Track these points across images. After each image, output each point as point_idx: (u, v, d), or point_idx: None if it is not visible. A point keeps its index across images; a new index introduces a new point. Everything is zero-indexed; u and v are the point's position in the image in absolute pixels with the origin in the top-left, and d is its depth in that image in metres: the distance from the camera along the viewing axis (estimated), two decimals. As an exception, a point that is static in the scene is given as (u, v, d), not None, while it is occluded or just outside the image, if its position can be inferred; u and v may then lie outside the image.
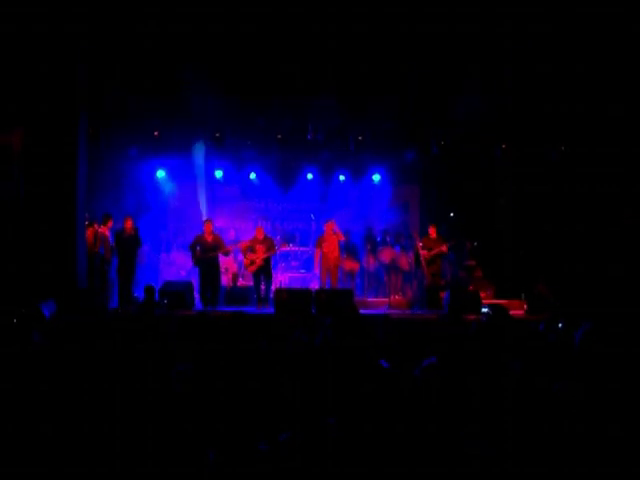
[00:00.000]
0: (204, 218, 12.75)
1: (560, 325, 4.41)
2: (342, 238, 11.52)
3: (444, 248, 11.23)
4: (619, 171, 10.09)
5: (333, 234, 11.25)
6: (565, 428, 2.56)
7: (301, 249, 13.53)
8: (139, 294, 10.91)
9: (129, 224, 11.04)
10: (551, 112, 10.70)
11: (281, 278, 12.61)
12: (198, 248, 10.68)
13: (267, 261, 11.02)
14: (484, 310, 10.09)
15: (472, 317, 9.29)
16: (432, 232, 11.43)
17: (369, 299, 12.00)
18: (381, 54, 9.55)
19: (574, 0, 8.45)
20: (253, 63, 9.57)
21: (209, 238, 10.72)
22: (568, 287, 10.33)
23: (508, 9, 8.54)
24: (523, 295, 10.95)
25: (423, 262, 11.15)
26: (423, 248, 11.22)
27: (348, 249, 12.39)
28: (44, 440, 2.83)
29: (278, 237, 13.24)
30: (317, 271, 11.75)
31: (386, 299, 11.66)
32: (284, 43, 9.20)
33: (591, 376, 2.73)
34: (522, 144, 12.39)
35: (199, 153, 13.95)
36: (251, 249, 10.95)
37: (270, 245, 11.05)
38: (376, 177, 14.69)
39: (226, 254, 11.35)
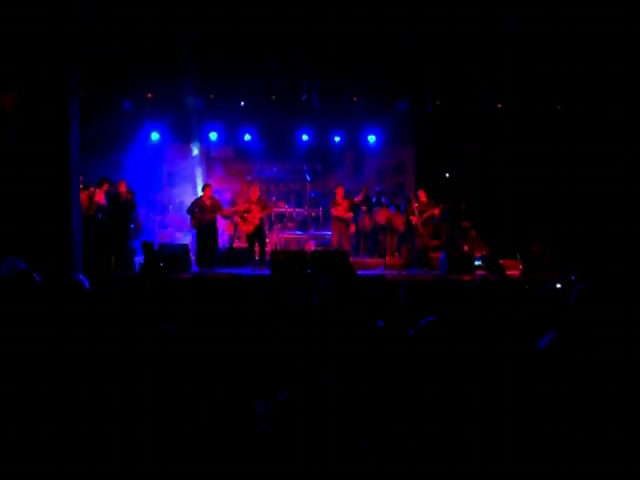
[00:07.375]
0: (197, 179, 12.74)
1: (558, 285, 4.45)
2: (350, 214, 11.66)
3: (436, 211, 11.29)
4: (620, 134, 10.03)
5: (344, 200, 11.39)
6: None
7: (297, 210, 13.48)
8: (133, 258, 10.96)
9: (123, 187, 11.05)
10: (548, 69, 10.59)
11: (276, 239, 12.60)
12: (197, 210, 10.75)
13: (261, 222, 11.05)
14: (477, 263, 10.31)
15: (466, 278, 9.36)
16: (422, 195, 11.48)
17: (365, 260, 12.04)
18: (376, 13, 9.35)
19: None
20: (246, 21, 9.38)
21: (208, 202, 10.81)
22: (565, 248, 10.36)
23: None
24: (519, 255, 10.98)
25: (415, 224, 11.23)
26: (417, 209, 11.25)
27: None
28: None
29: (274, 198, 13.23)
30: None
31: (382, 260, 11.70)
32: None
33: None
34: (520, 103, 12.29)
35: (193, 115, 13.77)
36: (247, 211, 10.96)
37: (265, 205, 11.11)
38: (371, 138, 14.57)
39: (225, 217, 11.40)
